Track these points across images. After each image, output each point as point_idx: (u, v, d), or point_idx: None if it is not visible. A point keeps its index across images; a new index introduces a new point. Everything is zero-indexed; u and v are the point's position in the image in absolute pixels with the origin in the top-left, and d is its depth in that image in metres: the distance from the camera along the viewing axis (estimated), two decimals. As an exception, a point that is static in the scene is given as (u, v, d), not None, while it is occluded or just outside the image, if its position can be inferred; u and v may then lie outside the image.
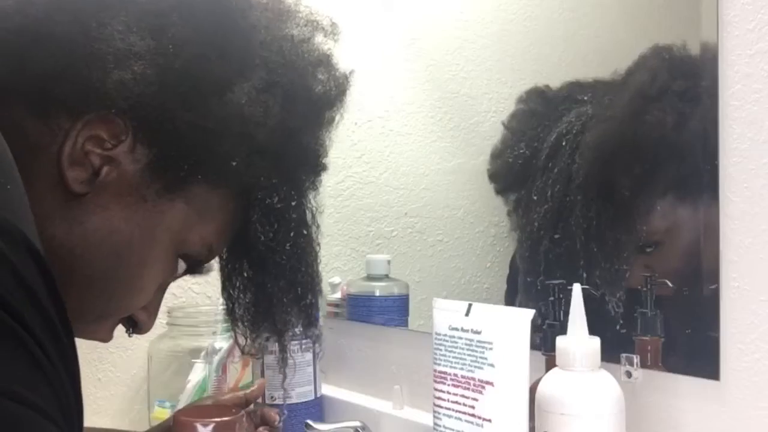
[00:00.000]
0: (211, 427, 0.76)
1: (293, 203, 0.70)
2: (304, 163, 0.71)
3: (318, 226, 0.74)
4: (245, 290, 0.73)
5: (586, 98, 0.87)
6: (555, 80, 0.93)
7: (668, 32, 0.81)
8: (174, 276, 0.69)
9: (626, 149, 0.81)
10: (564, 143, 0.87)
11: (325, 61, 0.70)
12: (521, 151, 0.94)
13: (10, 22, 0.60)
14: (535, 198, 0.90)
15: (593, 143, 0.85)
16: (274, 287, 0.71)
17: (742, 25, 0.70)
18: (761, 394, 0.69)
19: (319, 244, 0.75)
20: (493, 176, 0.99)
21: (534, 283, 0.87)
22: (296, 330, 0.75)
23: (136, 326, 0.70)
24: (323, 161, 0.73)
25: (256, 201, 0.68)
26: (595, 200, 0.84)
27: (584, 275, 0.81)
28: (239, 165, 0.64)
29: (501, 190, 0.99)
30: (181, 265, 0.68)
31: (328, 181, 1.22)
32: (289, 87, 0.67)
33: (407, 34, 1.14)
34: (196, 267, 0.70)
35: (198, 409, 0.83)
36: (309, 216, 0.73)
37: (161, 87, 0.60)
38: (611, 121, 0.84)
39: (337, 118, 0.72)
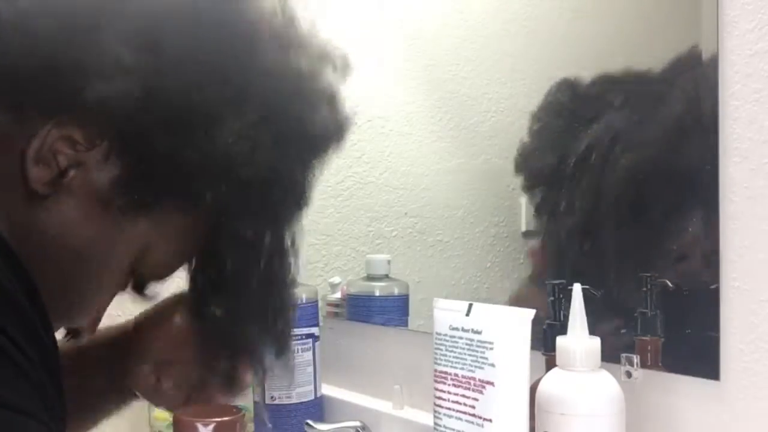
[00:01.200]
0: (211, 427, 0.76)
1: (268, 235, 0.65)
2: (287, 199, 0.66)
3: (296, 252, 0.68)
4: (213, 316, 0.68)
5: (616, 103, 0.86)
6: (555, 80, 0.93)
7: (668, 32, 0.81)
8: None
9: (662, 177, 0.80)
10: (593, 156, 0.85)
11: (329, 99, 0.66)
12: (548, 154, 0.93)
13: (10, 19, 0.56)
14: (561, 209, 0.89)
15: (627, 166, 0.84)
16: (241, 314, 0.67)
17: (742, 25, 0.70)
18: (761, 394, 0.69)
19: (294, 272, 0.68)
20: (521, 171, 0.97)
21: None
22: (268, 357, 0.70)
23: (77, 334, 0.67)
24: (308, 196, 0.68)
25: (228, 231, 0.64)
26: (626, 221, 0.84)
27: (616, 290, 0.82)
28: (215, 198, 0.61)
29: (528, 187, 0.97)
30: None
31: (328, 181, 1.22)
32: (285, 125, 0.62)
33: (407, 34, 1.14)
34: (145, 285, 0.67)
35: (198, 409, 0.83)
36: (286, 244, 0.67)
37: (146, 107, 0.57)
38: (646, 147, 0.82)
39: (332, 156, 0.68)
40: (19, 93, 0.57)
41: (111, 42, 0.56)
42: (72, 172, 0.57)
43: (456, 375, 0.71)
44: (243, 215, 0.63)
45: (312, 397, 1.06)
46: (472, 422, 0.69)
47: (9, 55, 0.56)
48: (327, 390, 1.11)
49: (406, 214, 1.12)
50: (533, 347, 0.67)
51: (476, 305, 0.71)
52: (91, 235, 0.59)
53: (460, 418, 0.70)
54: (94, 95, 0.56)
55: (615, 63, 0.87)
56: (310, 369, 1.06)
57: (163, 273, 0.66)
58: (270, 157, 0.61)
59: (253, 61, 0.61)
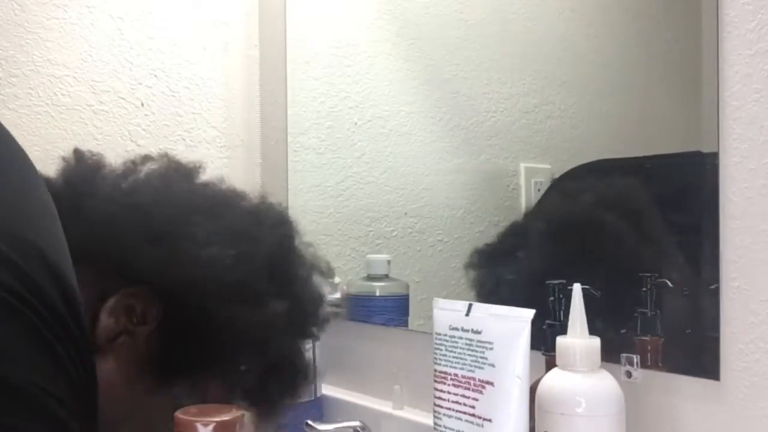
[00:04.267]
0: (211, 427, 0.76)
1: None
2: (295, 374, 0.80)
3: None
4: None
5: None
6: (555, 80, 0.93)
7: (668, 32, 0.81)
8: None
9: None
10: None
11: (321, 297, 0.83)
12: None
13: (124, 199, 0.73)
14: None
15: None
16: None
17: (742, 25, 0.70)
18: (761, 394, 0.69)
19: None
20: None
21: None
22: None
23: None
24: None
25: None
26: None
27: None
28: (248, 371, 0.73)
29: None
30: None
31: (328, 181, 1.23)
32: (304, 312, 0.78)
33: (407, 34, 1.14)
34: None
35: (198, 409, 0.83)
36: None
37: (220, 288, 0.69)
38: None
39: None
40: (113, 260, 0.68)
41: (212, 229, 0.71)
42: (122, 338, 0.67)
43: (456, 375, 0.71)
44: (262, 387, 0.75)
45: (312, 397, 1.06)
46: (472, 422, 0.69)
47: (126, 230, 0.69)
48: (327, 390, 1.11)
49: (406, 214, 1.12)
50: (533, 347, 0.67)
51: (476, 305, 0.71)
52: (117, 399, 0.66)
53: (459, 418, 0.70)
54: (200, 257, 0.69)
55: (615, 62, 0.87)
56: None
57: None
58: (292, 340, 0.77)
59: (289, 268, 0.79)
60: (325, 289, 0.88)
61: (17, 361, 0.50)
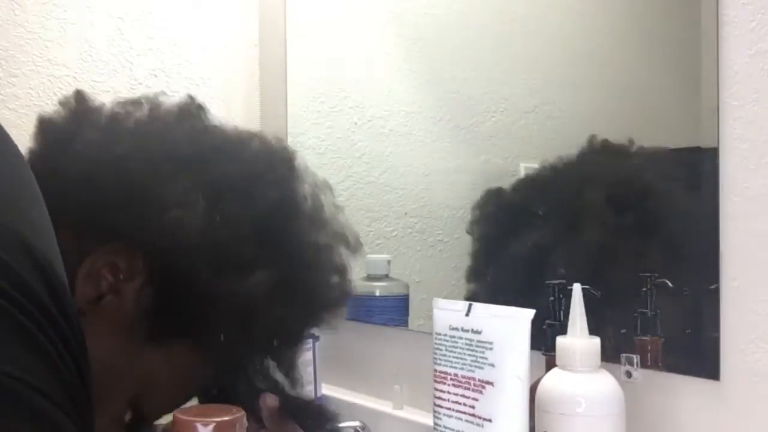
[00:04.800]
0: (211, 427, 0.76)
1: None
2: (285, 347, 0.77)
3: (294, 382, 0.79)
4: None
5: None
6: (555, 80, 0.93)
7: (668, 32, 0.81)
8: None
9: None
10: None
11: (340, 270, 0.77)
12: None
13: (95, 152, 0.68)
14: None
15: None
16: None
17: (742, 25, 0.70)
18: (761, 394, 0.69)
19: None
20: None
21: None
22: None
23: None
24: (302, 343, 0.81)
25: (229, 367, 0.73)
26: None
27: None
28: (227, 341, 0.68)
29: None
30: None
31: (328, 181, 1.22)
32: (300, 287, 0.72)
33: (407, 34, 1.14)
34: (139, 425, 0.71)
35: (198, 409, 0.83)
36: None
37: (201, 247, 0.65)
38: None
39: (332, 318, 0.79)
40: (88, 220, 0.64)
41: (188, 187, 0.66)
42: (108, 298, 0.64)
43: (456, 375, 0.71)
44: (245, 357, 0.72)
45: (312, 397, 1.06)
46: (472, 422, 0.69)
47: (99, 190, 0.65)
48: (327, 390, 1.11)
49: (406, 214, 1.12)
50: (533, 347, 0.67)
51: (476, 305, 0.71)
52: (109, 360, 0.63)
53: (459, 418, 0.70)
54: (165, 221, 0.64)
55: (615, 62, 0.87)
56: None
57: (159, 412, 0.70)
58: (283, 313, 0.70)
59: (288, 233, 0.72)
60: (347, 264, 0.78)
61: None
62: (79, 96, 0.78)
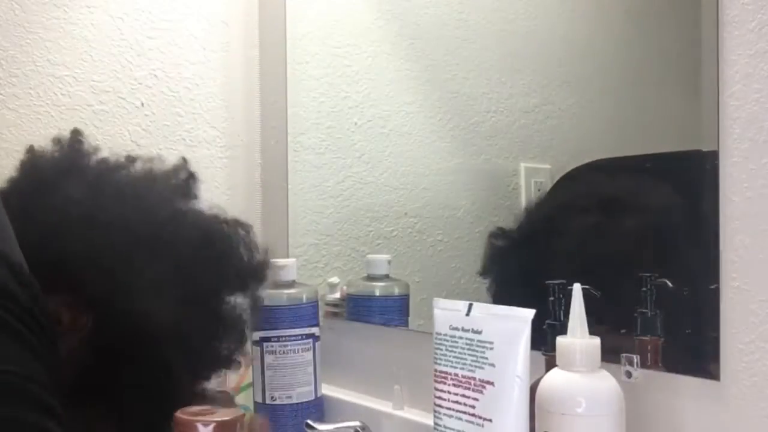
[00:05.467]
0: (211, 427, 0.76)
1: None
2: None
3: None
4: None
5: None
6: (555, 80, 0.93)
7: (668, 32, 0.81)
8: None
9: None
10: None
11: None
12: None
13: (74, 211, 0.71)
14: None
15: None
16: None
17: (742, 25, 0.70)
18: (761, 394, 0.69)
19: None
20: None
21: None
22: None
23: None
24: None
25: None
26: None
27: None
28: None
29: None
30: None
31: (328, 181, 1.23)
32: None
33: (407, 34, 1.14)
34: None
35: (198, 409, 0.83)
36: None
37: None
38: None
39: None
40: (52, 268, 0.66)
41: (159, 276, 0.71)
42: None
43: (456, 375, 0.71)
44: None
45: (312, 397, 1.06)
46: (472, 422, 0.69)
47: (70, 250, 0.69)
48: (327, 390, 1.11)
49: (406, 214, 1.12)
50: (533, 347, 0.67)
51: (476, 305, 0.71)
52: None
53: (460, 418, 0.70)
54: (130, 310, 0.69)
55: (616, 62, 0.87)
56: (310, 369, 1.06)
57: None
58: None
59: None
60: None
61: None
62: (74, 137, 0.80)
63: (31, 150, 0.79)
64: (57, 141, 0.80)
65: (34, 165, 0.78)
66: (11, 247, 0.58)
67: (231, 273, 0.81)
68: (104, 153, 0.81)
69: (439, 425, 0.72)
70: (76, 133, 0.81)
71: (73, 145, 0.80)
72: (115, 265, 0.69)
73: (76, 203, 0.72)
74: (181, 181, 0.82)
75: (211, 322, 0.77)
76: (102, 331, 0.69)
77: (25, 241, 0.62)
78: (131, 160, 0.81)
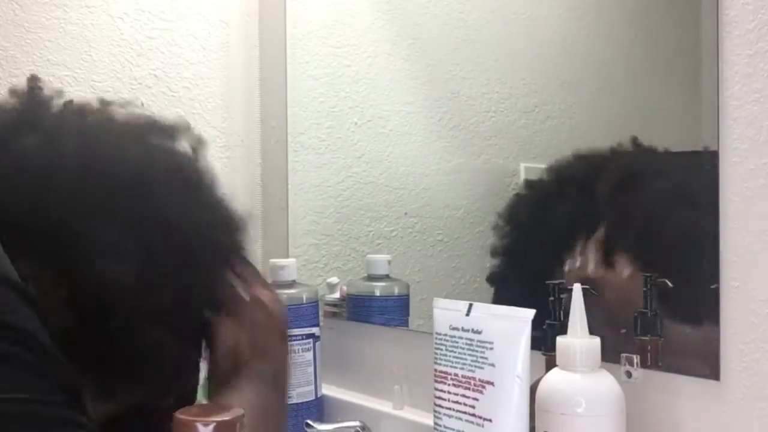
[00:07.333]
0: (211, 427, 0.76)
1: None
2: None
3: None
4: None
5: None
6: (555, 80, 0.93)
7: (668, 32, 0.81)
8: None
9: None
10: None
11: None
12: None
13: (31, 164, 0.65)
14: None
15: None
16: None
17: (742, 25, 0.70)
18: (761, 394, 0.69)
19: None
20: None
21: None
22: None
23: None
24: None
25: None
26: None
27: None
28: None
29: None
30: None
31: (328, 181, 1.23)
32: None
33: (407, 34, 1.14)
34: None
35: (198, 409, 0.83)
36: None
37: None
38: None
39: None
40: (11, 227, 0.62)
41: (121, 232, 0.65)
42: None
43: (456, 375, 0.71)
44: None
45: (312, 397, 1.06)
46: (472, 422, 0.69)
47: (25, 209, 0.63)
48: (327, 390, 1.11)
49: (406, 214, 1.12)
50: (533, 347, 0.67)
51: (476, 305, 0.71)
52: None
53: (460, 418, 0.70)
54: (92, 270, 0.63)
55: (616, 62, 0.87)
56: (311, 369, 1.06)
57: None
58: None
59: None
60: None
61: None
62: (31, 84, 0.73)
63: None
64: (13, 92, 0.73)
65: None
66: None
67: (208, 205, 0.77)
68: (70, 97, 0.75)
69: (439, 425, 0.72)
70: (33, 80, 0.74)
71: (31, 94, 0.73)
72: (76, 222, 0.63)
73: (30, 157, 0.66)
74: (153, 121, 0.76)
75: (207, 254, 0.72)
76: (84, 294, 0.64)
77: None
78: (106, 103, 0.74)
